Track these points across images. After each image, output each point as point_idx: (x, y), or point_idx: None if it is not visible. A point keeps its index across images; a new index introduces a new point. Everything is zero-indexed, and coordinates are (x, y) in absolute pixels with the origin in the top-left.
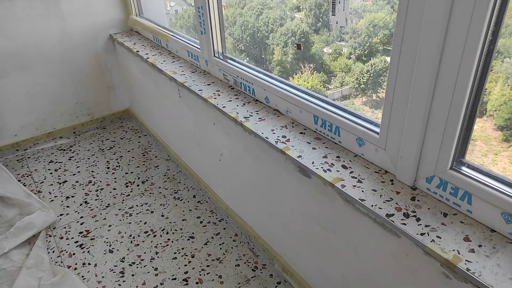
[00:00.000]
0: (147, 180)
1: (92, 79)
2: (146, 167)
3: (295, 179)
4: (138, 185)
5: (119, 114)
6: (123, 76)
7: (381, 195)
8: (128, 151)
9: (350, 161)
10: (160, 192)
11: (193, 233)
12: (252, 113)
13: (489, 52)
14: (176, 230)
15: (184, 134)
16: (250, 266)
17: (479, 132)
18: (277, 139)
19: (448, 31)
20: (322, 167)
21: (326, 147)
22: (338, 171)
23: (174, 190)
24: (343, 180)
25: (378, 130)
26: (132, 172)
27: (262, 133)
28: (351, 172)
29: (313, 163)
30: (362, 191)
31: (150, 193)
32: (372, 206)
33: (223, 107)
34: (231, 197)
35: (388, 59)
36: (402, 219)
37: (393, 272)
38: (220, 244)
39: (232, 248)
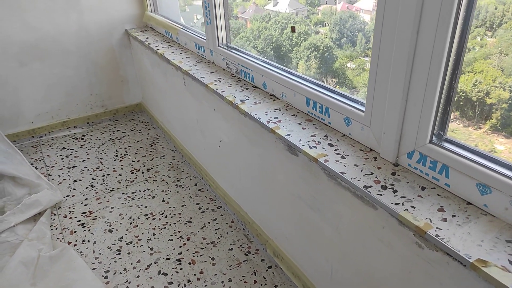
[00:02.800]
0: (152, 168)
1: (106, 72)
2: (152, 156)
3: (284, 159)
4: (143, 173)
5: (131, 108)
6: (137, 70)
7: (362, 170)
8: (137, 142)
9: (337, 140)
10: (163, 180)
11: (190, 218)
12: (249, 97)
13: (466, 18)
14: (174, 214)
15: (188, 123)
16: (243, 250)
17: (507, 153)
18: (269, 119)
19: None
20: (308, 145)
21: (316, 128)
22: (323, 148)
23: (177, 178)
24: (327, 156)
25: (363, 108)
26: (138, 161)
27: (256, 114)
28: (336, 149)
29: (300, 140)
30: (344, 165)
31: (153, 180)
32: (351, 178)
33: (222, 91)
34: (229, 184)
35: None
36: (379, 191)
37: (371, 247)
38: (216, 230)
39: (227, 233)
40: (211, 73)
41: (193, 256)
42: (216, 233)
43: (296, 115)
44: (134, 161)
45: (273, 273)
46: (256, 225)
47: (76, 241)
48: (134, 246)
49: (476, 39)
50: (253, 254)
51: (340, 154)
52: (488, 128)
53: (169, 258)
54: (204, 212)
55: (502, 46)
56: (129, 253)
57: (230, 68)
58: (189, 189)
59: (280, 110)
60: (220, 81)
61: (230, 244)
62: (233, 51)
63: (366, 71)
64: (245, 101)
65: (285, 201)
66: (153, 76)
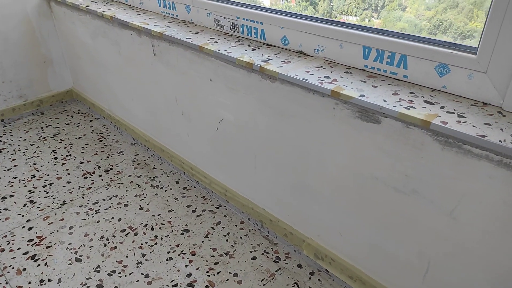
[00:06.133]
0: (111, 169)
1: (22, 51)
2: (106, 154)
3: (350, 130)
4: (100, 175)
5: (60, 96)
6: (65, 46)
7: (501, 129)
8: (79, 138)
9: (430, 96)
10: (132, 181)
11: (186, 225)
12: (269, 56)
13: None
14: (163, 224)
15: (159, 105)
16: (270, 257)
17: None
18: (320, 80)
19: None
20: (400, 105)
21: (389, 84)
22: (424, 107)
23: (150, 178)
24: (439, 116)
25: (474, 50)
26: (89, 161)
27: (296, 75)
28: (442, 108)
29: (385, 101)
30: (474, 126)
31: (118, 183)
32: (501, 141)
33: (228, 53)
34: (233, 176)
35: None
36: None
37: None
38: (224, 235)
39: (241, 238)
40: (196, 33)
41: (208, 275)
42: (227, 240)
43: (351, 72)
44: (83, 163)
45: (319, 280)
46: (283, 222)
47: (29, 283)
48: (120, 276)
49: (364, 21)
50: (285, 260)
51: (454, 113)
52: None
53: (176, 285)
54: (201, 215)
55: (387, 26)
56: (116, 287)
57: (221, 26)
58: (171, 189)
59: (324, 68)
60: (216, 42)
61: (251, 252)
62: (224, 2)
63: None
64: (269, 61)
65: (343, 186)
66: (94, 50)
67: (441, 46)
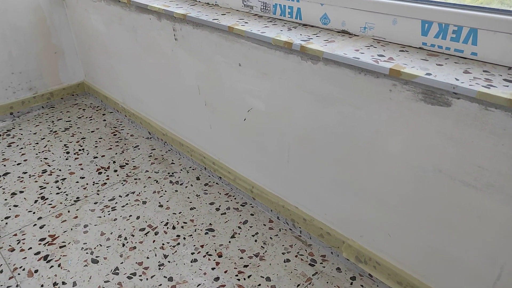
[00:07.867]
0: (127, 164)
1: (33, 41)
2: (121, 148)
3: (410, 115)
4: (116, 171)
5: (71, 89)
6: (77, 36)
7: None
8: (92, 132)
9: (509, 74)
10: (150, 177)
11: (210, 224)
12: (309, 36)
13: None
14: (185, 222)
15: (180, 96)
16: (304, 260)
17: None
18: (374, 58)
19: None
20: (477, 83)
21: (456, 63)
22: (506, 86)
23: (169, 173)
24: None
25: None
26: (103, 156)
27: (345, 54)
28: None
29: (457, 79)
30: None
31: (135, 179)
32: None
33: (262, 33)
34: (261, 170)
35: None
36: None
37: None
38: (253, 235)
39: (271, 238)
40: (222, 15)
41: (238, 279)
42: (256, 241)
43: (406, 51)
44: (96, 157)
45: (361, 286)
46: (319, 221)
47: (42, 286)
48: (141, 279)
49: None
50: (321, 263)
51: None
52: None
53: None
54: (225, 214)
55: None
56: None
57: (250, 7)
58: (191, 185)
59: (374, 47)
60: (246, 22)
61: (283, 254)
62: None
63: None
64: (310, 41)
65: (397, 181)
66: (108, 39)
67: None
